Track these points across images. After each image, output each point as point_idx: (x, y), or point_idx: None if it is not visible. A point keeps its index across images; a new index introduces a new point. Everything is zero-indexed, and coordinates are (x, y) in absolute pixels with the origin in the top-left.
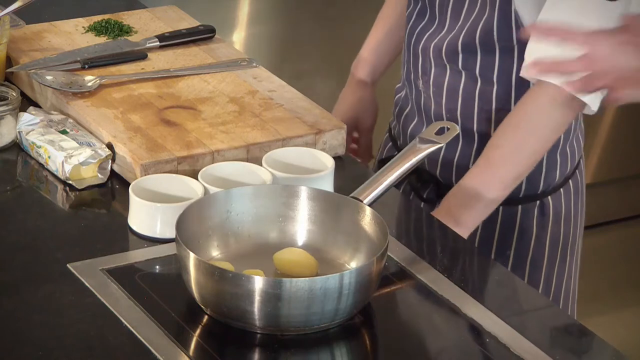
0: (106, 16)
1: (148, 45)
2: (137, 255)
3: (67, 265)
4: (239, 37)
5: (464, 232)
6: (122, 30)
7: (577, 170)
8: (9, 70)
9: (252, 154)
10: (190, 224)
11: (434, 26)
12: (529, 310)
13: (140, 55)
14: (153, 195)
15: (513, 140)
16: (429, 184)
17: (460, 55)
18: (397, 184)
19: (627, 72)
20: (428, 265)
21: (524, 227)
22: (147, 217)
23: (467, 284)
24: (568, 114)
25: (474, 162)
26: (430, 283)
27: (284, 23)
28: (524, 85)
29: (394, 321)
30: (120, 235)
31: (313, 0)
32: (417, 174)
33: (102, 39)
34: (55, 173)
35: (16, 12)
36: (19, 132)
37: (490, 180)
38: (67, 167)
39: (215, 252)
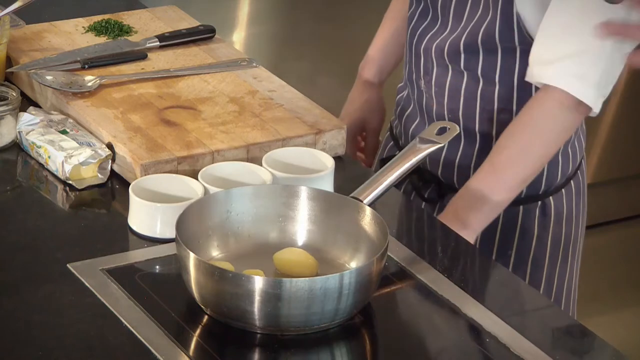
0: (106, 16)
1: (148, 45)
2: (137, 255)
3: (67, 265)
4: (239, 37)
5: (471, 235)
6: (122, 30)
7: (578, 171)
8: (9, 70)
9: (252, 154)
10: (190, 224)
11: (436, 27)
12: (529, 310)
13: (140, 55)
14: (153, 195)
15: (519, 143)
16: (431, 184)
17: (463, 56)
18: (398, 184)
19: None
20: (428, 265)
21: (525, 227)
22: (147, 217)
23: (467, 284)
24: (574, 118)
25: (475, 163)
26: (430, 283)
27: (284, 23)
28: (526, 86)
29: (394, 321)
30: (120, 235)
31: (313, 0)
32: (419, 173)
33: (102, 39)
34: (55, 173)
35: (16, 12)
36: (19, 132)
37: (497, 183)
38: (67, 167)
39: (215, 252)
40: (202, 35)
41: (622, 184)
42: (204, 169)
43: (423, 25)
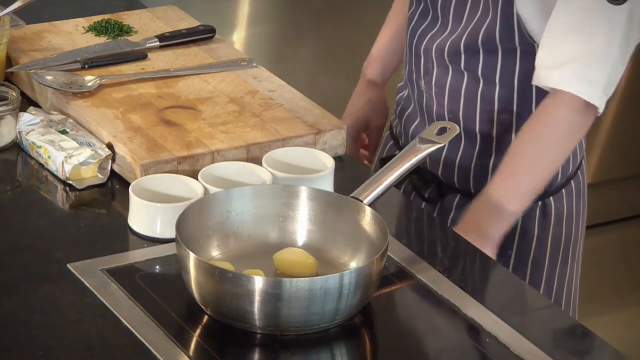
0: (106, 16)
1: (148, 45)
2: (137, 255)
3: (67, 265)
4: (239, 37)
5: (492, 247)
6: (122, 30)
7: (578, 171)
8: (9, 70)
9: (252, 154)
10: (190, 224)
11: (437, 27)
12: (529, 310)
13: (140, 55)
14: (153, 195)
15: (534, 150)
16: (431, 184)
17: (463, 56)
18: (398, 184)
19: None
20: (428, 265)
21: (525, 227)
22: (147, 217)
23: (467, 284)
24: (585, 120)
25: (475, 163)
26: (430, 283)
27: (284, 23)
28: (526, 87)
29: (394, 321)
30: (120, 235)
31: (313, 0)
32: (419, 173)
33: (102, 39)
34: (55, 173)
35: (16, 12)
36: (19, 132)
37: (515, 191)
38: (67, 167)
39: (215, 252)
40: (202, 35)
41: (622, 184)
42: (204, 169)
43: (423, 26)
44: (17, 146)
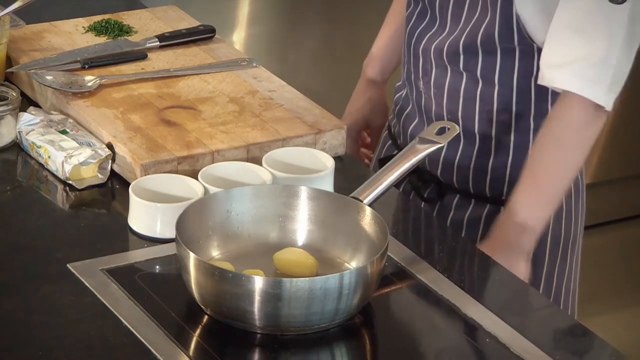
0: (106, 16)
1: (148, 45)
2: (137, 255)
3: (67, 265)
4: (239, 37)
5: (525, 261)
6: (122, 30)
7: None
8: (9, 70)
9: (252, 154)
10: (190, 224)
11: (435, 27)
12: (529, 310)
13: (140, 55)
14: (153, 195)
15: (552, 156)
16: (430, 184)
17: (462, 57)
18: (397, 184)
19: None
20: (428, 265)
21: None
22: (147, 217)
23: (467, 284)
24: (597, 120)
25: (475, 163)
26: (430, 283)
27: (284, 23)
28: (525, 87)
29: (394, 321)
30: (120, 235)
31: (313, 1)
32: (418, 173)
33: (102, 39)
34: (55, 173)
35: (16, 12)
36: (19, 132)
37: (541, 199)
38: (67, 167)
39: (215, 252)
40: (202, 35)
41: (622, 184)
42: (204, 169)
43: (421, 26)
44: (17, 146)
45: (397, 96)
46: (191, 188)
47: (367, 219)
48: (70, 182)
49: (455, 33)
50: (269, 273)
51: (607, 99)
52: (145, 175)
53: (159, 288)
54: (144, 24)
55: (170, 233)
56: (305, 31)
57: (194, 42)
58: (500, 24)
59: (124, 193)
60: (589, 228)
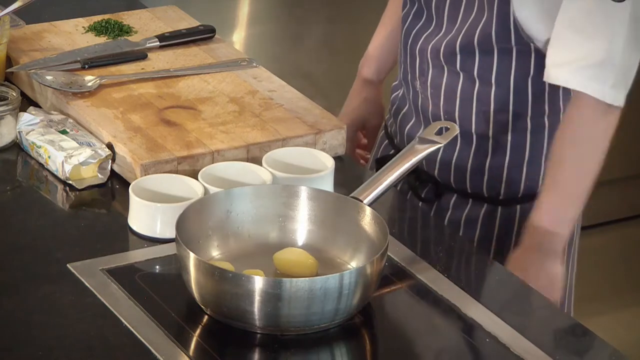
0: (106, 16)
1: (148, 45)
2: (137, 255)
3: (67, 265)
4: (239, 37)
5: (560, 263)
6: (122, 30)
7: None
8: (9, 70)
9: (252, 154)
10: (190, 224)
11: (431, 28)
12: (529, 310)
13: (140, 55)
14: (153, 195)
15: (571, 157)
16: (427, 184)
17: (459, 57)
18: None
19: None
20: (428, 265)
21: (522, 226)
22: (147, 217)
23: (467, 284)
24: (609, 117)
25: (472, 163)
26: (430, 283)
27: (284, 23)
28: (522, 87)
29: (394, 321)
30: (120, 235)
31: (313, 0)
32: (416, 173)
33: (102, 39)
34: (55, 173)
35: (16, 12)
36: (19, 132)
37: (567, 200)
38: (67, 167)
39: (215, 252)
40: (202, 35)
41: (622, 184)
42: (204, 169)
43: (418, 26)
44: (17, 146)
45: (393, 96)
46: (191, 188)
47: (367, 219)
48: (70, 182)
49: (452, 33)
50: (269, 273)
51: (613, 96)
52: (145, 175)
53: (159, 288)
54: (144, 24)
55: (170, 233)
56: (305, 31)
57: (194, 42)
58: (497, 23)
59: (124, 193)
60: (588, 228)
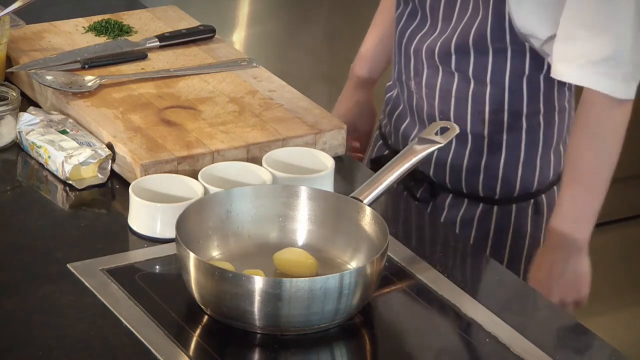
0: (106, 16)
1: (148, 45)
2: (137, 255)
3: (67, 265)
4: (239, 37)
5: (586, 255)
6: (122, 30)
7: None
8: (9, 70)
9: (252, 154)
10: (190, 224)
11: (426, 28)
12: (529, 310)
13: (140, 55)
14: (153, 195)
15: (588, 152)
16: (423, 184)
17: (453, 57)
18: None
19: None
20: (428, 265)
21: (518, 225)
22: (147, 217)
23: (467, 284)
24: (622, 110)
25: (467, 163)
26: (430, 283)
27: (284, 23)
28: (517, 86)
29: (394, 321)
30: (120, 235)
31: (313, 0)
32: (411, 173)
33: (102, 39)
34: (55, 173)
35: (16, 12)
36: (19, 132)
37: (588, 194)
38: (67, 167)
39: (215, 252)
40: (202, 35)
41: (621, 184)
42: (204, 169)
43: (412, 26)
44: (17, 146)
45: (387, 96)
46: (191, 188)
47: (367, 219)
48: (70, 182)
49: (447, 33)
50: (269, 273)
51: (624, 90)
52: (145, 175)
53: (159, 288)
54: (144, 24)
55: (170, 233)
56: (305, 31)
57: (194, 42)
58: (492, 23)
59: (124, 193)
60: None
